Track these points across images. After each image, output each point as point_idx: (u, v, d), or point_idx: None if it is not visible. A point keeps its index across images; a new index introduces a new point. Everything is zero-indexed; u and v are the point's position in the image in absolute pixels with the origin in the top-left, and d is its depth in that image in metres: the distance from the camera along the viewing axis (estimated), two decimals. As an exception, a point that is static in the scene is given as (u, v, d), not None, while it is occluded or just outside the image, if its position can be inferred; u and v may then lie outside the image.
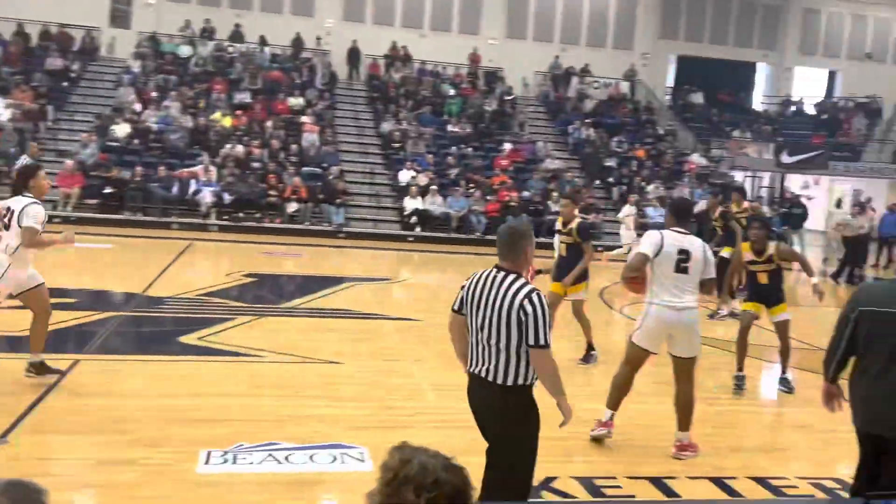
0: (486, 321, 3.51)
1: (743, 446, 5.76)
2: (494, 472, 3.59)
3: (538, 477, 4.80)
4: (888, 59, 30.24)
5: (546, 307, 3.50)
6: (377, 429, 5.56)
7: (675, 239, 5.32)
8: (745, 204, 13.03)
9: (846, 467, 5.45)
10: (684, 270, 5.26)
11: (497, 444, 3.58)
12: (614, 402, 5.55)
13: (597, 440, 5.51)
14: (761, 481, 5.05)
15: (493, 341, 3.50)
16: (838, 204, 23.39)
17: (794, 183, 30.54)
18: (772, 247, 7.12)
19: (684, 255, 5.26)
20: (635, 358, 5.50)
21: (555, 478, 4.84)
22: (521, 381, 3.51)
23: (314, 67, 24.80)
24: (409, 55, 26.10)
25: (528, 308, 3.43)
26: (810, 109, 29.46)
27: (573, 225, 7.83)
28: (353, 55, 25.68)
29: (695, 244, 5.32)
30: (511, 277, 3.53)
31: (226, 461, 4.85)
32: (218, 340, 7.84)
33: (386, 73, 25.63)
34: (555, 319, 7.52)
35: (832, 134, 27.29)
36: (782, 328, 7.15)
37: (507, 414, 3.53)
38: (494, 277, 3.55)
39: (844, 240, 17.32)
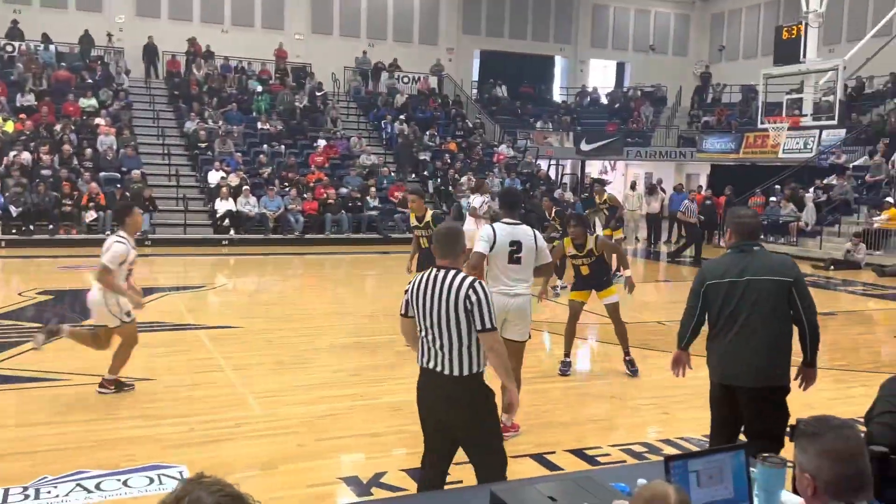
0: (436, 316, 3.71)
1: (559, 421, 6.05)
2: (475, 455, 3.83)
3: (366, 476, 4.80)
4: (669, 51, 32.95)
5: (489, 294, 3.73)
6: (198, 445, 5.30)
7: (507, 231, 5.50)
8: (605, 195, 14.09)
9: (654, 431, 5.91)
10: (517, 261, 5.47)
11: (469, 432, 3.77)
12: None
13: None
14: (578, 453, 5.33)
15: (444, 335, 3.70)
16: (633, 186, 25.18)
17: (594, 168, 32.65)
18: (591, 241, 7.49)
19: (516, 246, 5.46)
20: None
21: (384, 472, 4.85)
22: (474, 370, 3.72)
23: (107, 66, 23.23)
24: (210, 51, 25.10)
25: (473, 297, 3.65)
26: (604, 99, 31.51)
27: (428, 218, 8.07)
28: (150, 52, 24.32)
29: (526, 234, 5.50)
30: (452, 273, 3.75)
31: (27, 497, 4.43)
32: (12, 366, 7.16)
33: (187, 69, 24.50)
34: None
35: (624, 121, 29.36)
36: (612, 310, 7.48)
37: (469, 402, 3.72)
38: (436, 276, 3.76)
39: (679, 223, 18.78)
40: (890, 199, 17.65)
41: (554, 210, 13.79)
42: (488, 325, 3.66)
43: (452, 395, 3.73)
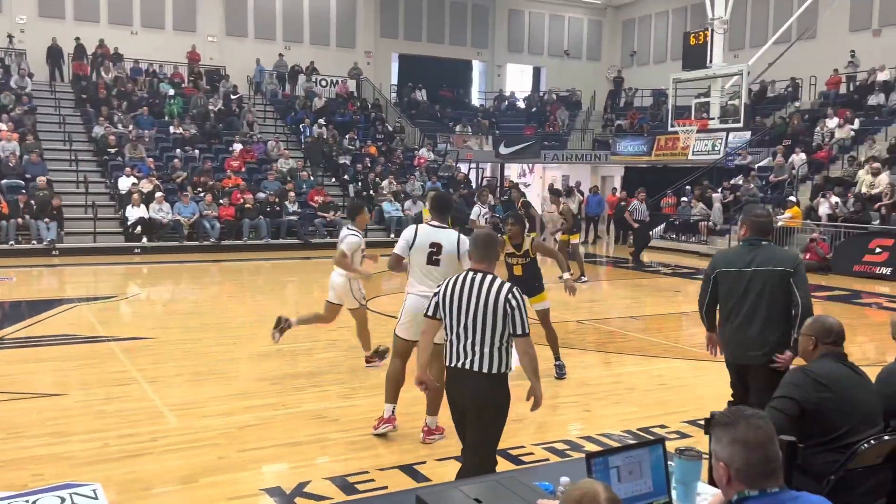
0: (472, 318, 3.89)
1: (484, 423, 6.08)
2: (469, 450, 4.07)
3: (289, 486, 4.72)
4: (583, 56, 33.69)
5: (525, 301, 3.99)
6: (112, 461, 5.11)
7: (429, 233, 5.52)
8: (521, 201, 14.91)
9: (576, 429, 6.01)
10: (436, 263, 5.48)
11: (479, 427, 3.98)
12: (392, 396, 5.72)
13: (381, 436, 5.63)
14: (502, 453, 5.36)
15: (477, 335, 3.88)
16: (550, 188, 25.64)
17: (513, 171, 33.07)
18: (527, 241, 7.53)
19: (435, 248, 5.47)
20: (402, 350, 5.68)
21: (307, 482, 4.78)
22: (502, 370, 3.93)
23: (8, 68, 22.21)
24: (119, 54, 24.31)
25: (513, 302, 3.87)
26: (521, 103, 31.97)
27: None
28: (54, 54, 23.35)
29: (449, 238, 5.49)
30: (489, 277, 3.95)
31: (-76, 526, 4.18)
32: None
33: (94, 72, 23.64)
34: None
35: (541, 125, 29.85)
36: (543, 316, 7.51)
37: (491, 400, 3.94)
38: (472, 279, 3.94)
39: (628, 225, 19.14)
40: (792, 199, 18.49)
41: (521, 201, 14.62)
42: (526, 331, 3.89)
43: (479, 390, 3.92)
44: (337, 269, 7.36)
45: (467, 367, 3.92)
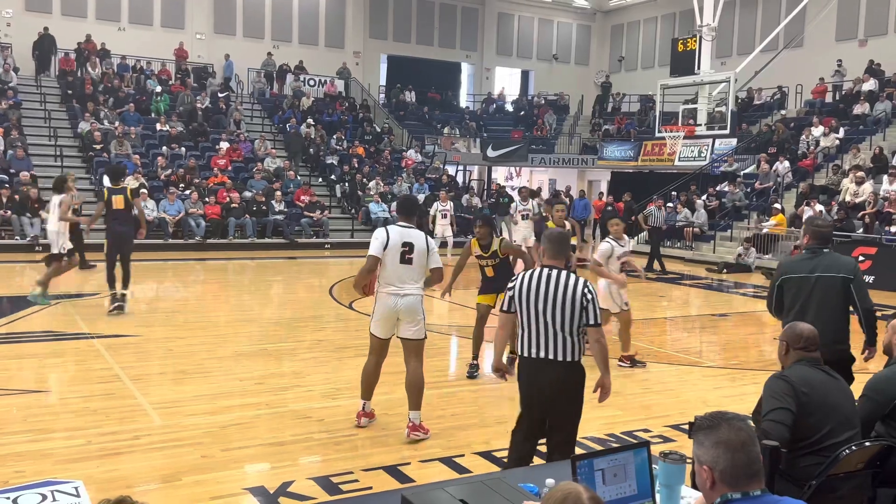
0: (550, 310, 4.13)
1: (468, 424, 6.10)
2: (558, 434, 4.29)
3: (272, 485, 4.71)
4: (571, 61, 33.80)
5: (597, 293, 4.27)
6: (94, 458, 5.07)
7: (400, 233, 5.60)
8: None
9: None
10: (408, 262, 5.55)
11: (562, 412, 4.25)
12: (366, 392, 5.87)
13: (362, 429, 5.79)
14: (487, 455, 5.38)
15: (557, 326, 4.13)
16: (538, 192, 25.71)
17: (500, 174, 33.12)
18: (496, 243, 7.55)
19: (408, 247, 5.55)
20: (377, 347, 5.78)
21: (291, 482, 4.77)
22: (577, 358, 4.20)
23: (-7, 62, 22.02)
24: (106, 49, 24.15)
25: (589, 295, 4.15)
26: (509, 107, 32.03)
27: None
28: (42, 48, 23.15)
29: (419, 237, 5.62)
30: (564, 273, 4.20)
31: None
32: None
33: (80, 68, 23.47)
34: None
35: (529, 129, 29.92)
36: None
37: (571, 385, 4.22)
38: (549, 275, 4.19)
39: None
40: (777, 206, 18.63)
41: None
42: (599, 321, 4.20)
43: (561, 377, 4.18)
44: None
45: (550, 356, 4.17)
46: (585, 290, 4.13)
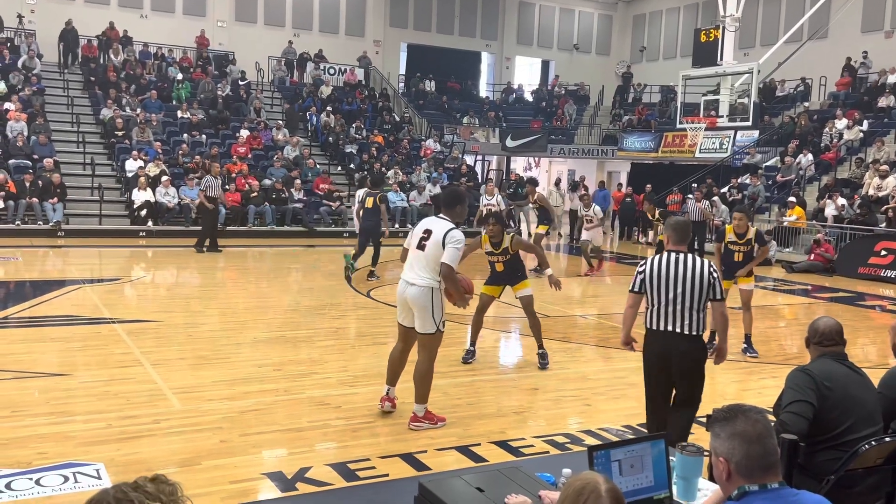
0: (681, 289, 4.68)
1: (484, 413, 6.11)
2: (687, 406, 4.83)
3: (290, 471, 4.75)
4: (592, 51, 33.58)
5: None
6: (114, 441, 5.14)
7: (430, 221, 5.65)
8: (535, 195, 14.36)
9: (575, 422, 6.03)
10: (422, 248, 5.52)
11: (691, 381, 4.79)
12: (390, 378, 5.90)
13: (385, 413, 5.86)
14: (503, 444, 5.40)
15: (687, 304, 4.68)
16: (557, 183, 25.63)
17: (518, 165, 33.04)
18: (507, 240, 7.55)
19: (427, 234, 5.52)
20: (400, 332, 5.82)
21: (309, 468, 4.81)
22: (701, 331, 4.77)
23: (17, 49, 22.21)
24: (128, 37, 24.29)
25: (715, 274, 4.74)
26: (529, 97, 31.89)
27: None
28: (69, 36, 23.33)
29: (441, 227, 5.48)
30: (690, 256, 4.79)
31: (-71, 501, 4.21)
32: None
33: (103, 55, 23.64)
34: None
35: (548, 119, 29.78)
36: (527, 303, 7.55)
37: (697, 355, 4.77)
38: (677, 258, 4.75)
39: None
40: (792, 199, 18.42)
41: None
42: (724, 296, 4.81)
43: (688, 349, 4.72)
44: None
45: (678, 330, 4.69)
46: (711, 270, 4.71)
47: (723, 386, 7.28)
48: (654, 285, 4.78)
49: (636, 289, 4.87)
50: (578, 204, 16.68)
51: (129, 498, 1.69)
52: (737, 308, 8.47)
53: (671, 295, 4.70)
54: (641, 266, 4.86)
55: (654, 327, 4.80)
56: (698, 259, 4.77)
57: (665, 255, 4.80)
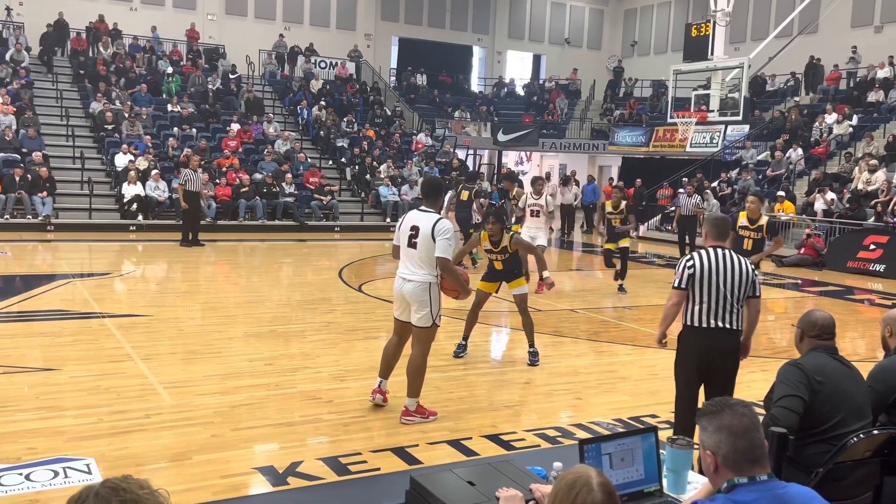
0: (730, 286, 4.66)
1: (475, 407, 6.13)
2: (722, 389, 4.68)
3: (282, 465, 4.75)
4: (583, 45, 33.59)
5: None
6: (105, 436, 5.13)
7: (414, 217, 5.61)
8: (514, 191, 13.75)
9: (566, 416, 6.05)
10: (413, 245, 5.52)
11: (733, 376, 4.81)
12: (383, 371, 5.91)
13: (376, 406, 5.87)
14: (494, 438, 5.41)
15: (733, 299, 4.67)
16: (548, 177, 25.65)
17: (510, 159, 33.05)
18: (506, 238, 7.55)
19: (415, 231, 5.51)
20: (396, 327, 5.85)
21: (300, 462, 4.81)
22: (742, 325, 4.79)
23: (6, 41, 22.05)
24: (118, 29, 24.15)
25: (756, 272, 4.83)
26: (521, 91, 31.87)
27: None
28: (59, 28, 23.16)
29: (428, 221, 5.48)
30: (733, 253, 4.78)
31: (-82, 496, 4.19)
32: None
33: (92, 48, 23.49)
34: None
35: (540, 113, 29.78)
36: (520, 301, 7.56)
37: (738, 348, 4.80)
38: (723, 255, 4.72)
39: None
40: (782, 193, 18.49)
41: (623, 203, 12.85)
42: (760, 293, 4.85)
43: (734, 343, 4.75)
44: None
45: (728, 325, 4.68)
46: (752, 267, 4.80)
47: (713, 379, 7.30)
48: (703, 281, 4.69)
49: (683, 285, 4.73)
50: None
51: (121, 487, 1.69)
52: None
53: (723, 291, 4.65)
54: (689, 262, 4.74)
55: (700, 324, 4.70)
56: (739, 256, 4.76)
57: (711, 251, 4.72)
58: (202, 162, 18.71)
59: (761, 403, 4.13)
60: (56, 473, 4.54)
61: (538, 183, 13.06)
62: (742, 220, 8.81)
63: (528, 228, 11.69)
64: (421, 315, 5.55)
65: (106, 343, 7.63)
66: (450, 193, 14.42)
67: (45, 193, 16.71)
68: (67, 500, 1.71)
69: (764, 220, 8.77)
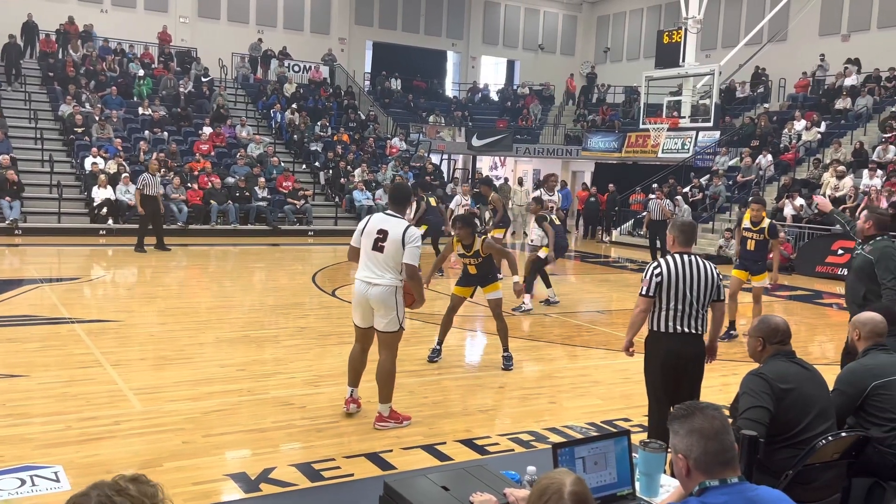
0: (696, 291, 4.69)
1: (449, 412, 6.12)
2: (690, 395, 4.73)
3: (254, 472, 4.71)
4: (557, 51, 33.79)
5: None
6: (74, 443, 5.05)
7: (381, 220, 5.54)
8: (491, 195, 13.60)
9: (541, 420, 6.06)
10: (380, 249, 5.46)
11: (699, 380, 4.86)
12: (352, 379, 5.84)
13: (350, 415, 5.81)
14: (468, 443, 5.41)
15: (699, 305, 4.71)
16: (520, 182, 25.73)
17: (484, 164, 33.13)
18: (478, 242, 7.55)
19: (382, 234, 5.46)
20: (358, 334, 5.77)
21: (273, 468, 4.77)
22: (706, 330, 4.84)
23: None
24: (88, 31, 23.86)
25: (721, 276, 4.88)
26: (495, 96, 31.97)
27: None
28: (29, 30, 22.82)
29: (398, 227, 5.45)
30: (699, 258, 4.82)
31: None
32: None
33: (61, 49, 23.18)
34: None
35: (514, 118, 29.90)
36: (494, 306, 7.56)
37: (704, 353, 4.86)
38: (690, 261, 4.74)
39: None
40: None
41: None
42: (725, 297, 4.93)
43: (700, 348, 4.81)
44: None
45: (695, 331, 4.72)
46: (718, 271, 4.84)
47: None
48: (670, 288, 4.70)
49: (651, 293, 4.72)
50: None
51: (114, 502, 1.66)
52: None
53: (689, 297, 4.68)
54: (657, 269, 4.73)
55: (666, 329, 4.73)
56: (706, 261, 4.82)
57: (678, 257, 4.74)
58: (170, 164, 18.55)
59: (729, 406, 4.17)
60: (23, 482, 4.46)
61: (551, 179, 12.55)
62: (746, 222, 9.41)
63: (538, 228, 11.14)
64: (388, 320, 5.50)
65: (75, 349, 7.52)
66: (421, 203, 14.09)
67: (12, 198, 16.44)
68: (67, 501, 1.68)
69: (766, 222, 9.26)
